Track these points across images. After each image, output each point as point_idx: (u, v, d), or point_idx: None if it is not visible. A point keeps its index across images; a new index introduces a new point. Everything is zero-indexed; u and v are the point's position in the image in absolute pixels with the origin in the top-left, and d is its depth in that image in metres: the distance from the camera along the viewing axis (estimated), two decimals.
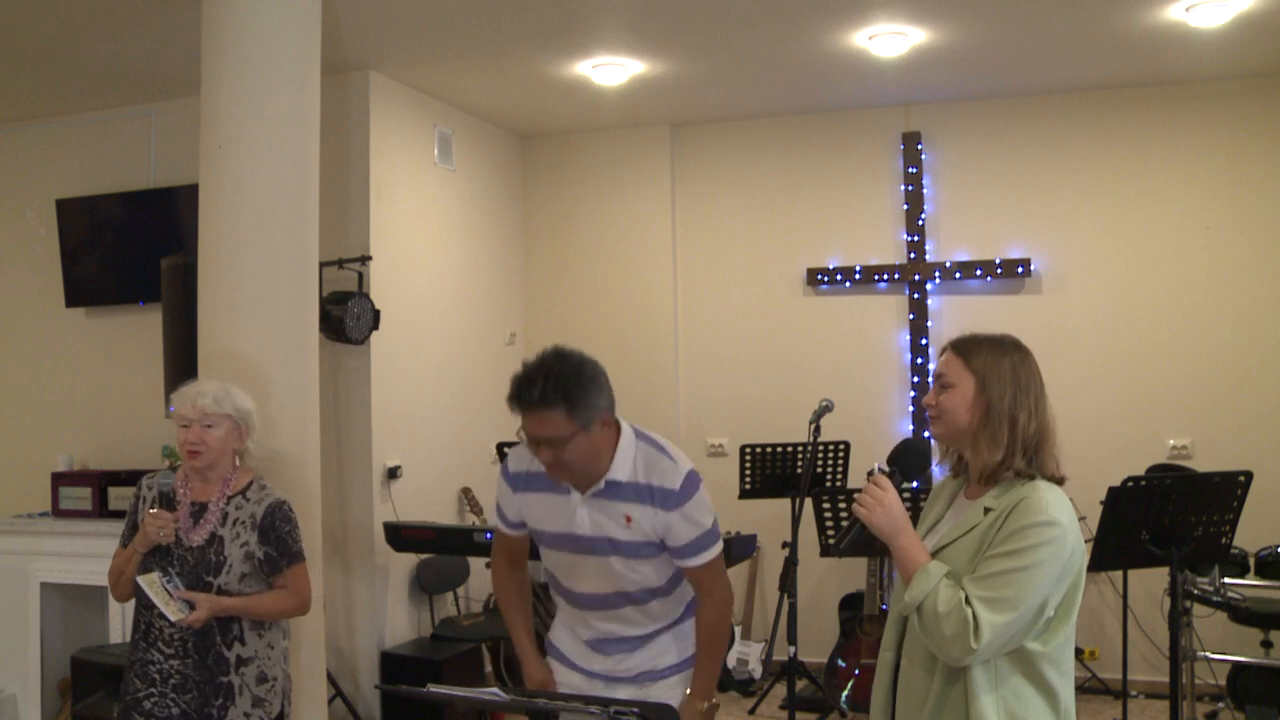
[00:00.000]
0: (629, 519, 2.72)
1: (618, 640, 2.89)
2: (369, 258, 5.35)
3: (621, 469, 2.72)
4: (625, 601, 2.82)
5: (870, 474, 2.31)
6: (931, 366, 6.05)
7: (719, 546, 2.83)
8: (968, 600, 2.02)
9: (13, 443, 6.22)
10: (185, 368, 4.06)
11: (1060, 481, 2.17)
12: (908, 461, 2.33)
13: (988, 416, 2.17)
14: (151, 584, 2.89)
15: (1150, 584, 5.51)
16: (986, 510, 2.14)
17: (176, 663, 2.94)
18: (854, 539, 2.27)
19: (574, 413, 2.58)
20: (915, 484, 4.26)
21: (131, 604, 3.06)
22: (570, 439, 2.60)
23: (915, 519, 2.31)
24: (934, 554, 2.16)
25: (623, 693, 2.84)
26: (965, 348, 2.25)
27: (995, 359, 2.20)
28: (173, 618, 2.88)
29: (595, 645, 2.92)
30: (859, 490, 2.25)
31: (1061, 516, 2.07)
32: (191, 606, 2.89)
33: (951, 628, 2.01)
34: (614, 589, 2.81)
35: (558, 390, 2.57)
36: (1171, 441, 5.88)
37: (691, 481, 2.74)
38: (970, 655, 2.01)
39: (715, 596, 2.84)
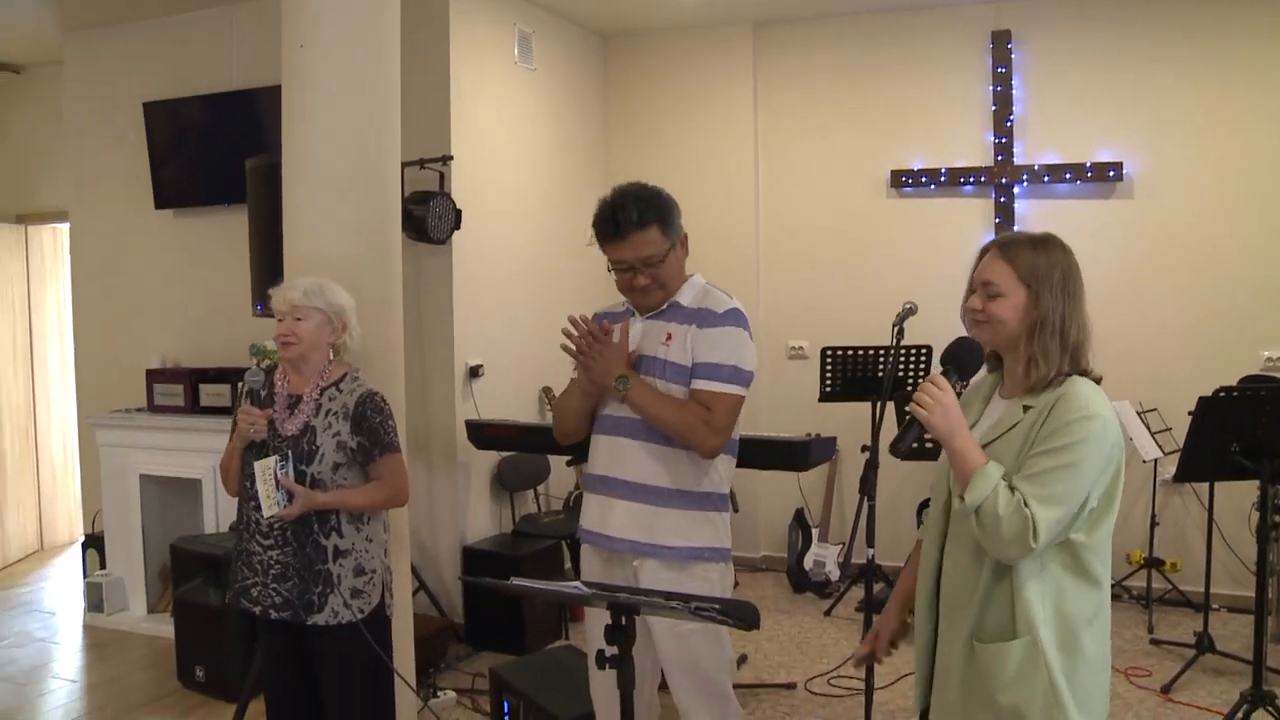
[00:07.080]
0: (669, 336, 2.88)
1: (627, 485, 2.90)
2: (450, 157, 5.36)
3: (685, 295, 2.94)
4: (643, 431, 2.87)
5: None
6: None
7: (737, 389, 2.86)
8: (1025, 501, 2.03)
9: (111, 340, 6.43)
10: (271, 268, 4.12)
11: (1098, 381, 2.17)
12: (961, 360, 2.28)
13: (1040, 329, 2.14)
14: (265, 470, 2.97)
15: (1237, 499, 5.42)
16: (1026, 408, 2.14)
17: (276, 553, 3.04)
18: (912, 440, 2.25)
19: (666, 229, 2.83)
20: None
21: (226, 498, 3.16)
22: (665, 256, 2.84)
23: None
24: None
25: (630, 568, 2.90)
26: (1013, 253, 2.19)
27: (1046, 268, 2.16)
28: (265, 514, 2.97)
29: (606, 487, 2.95)
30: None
31: (1101, 410, 2.08)
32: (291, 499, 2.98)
33: (1011, 530, 2.02)
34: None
35: (652, 209, 2.83)
36: (1266, 353, 5.72)
37: (737, 314, 2.90)
38: (1028, 554, 2.04)
39: (711, 425, 2.82)
